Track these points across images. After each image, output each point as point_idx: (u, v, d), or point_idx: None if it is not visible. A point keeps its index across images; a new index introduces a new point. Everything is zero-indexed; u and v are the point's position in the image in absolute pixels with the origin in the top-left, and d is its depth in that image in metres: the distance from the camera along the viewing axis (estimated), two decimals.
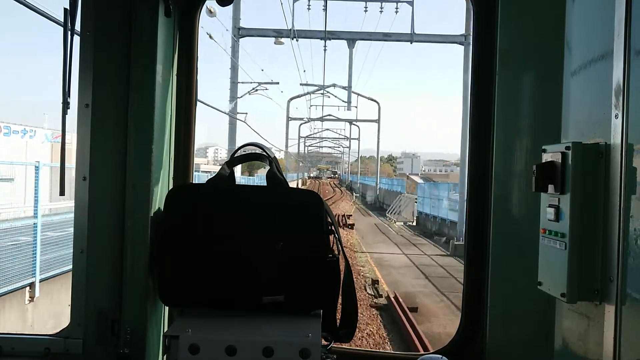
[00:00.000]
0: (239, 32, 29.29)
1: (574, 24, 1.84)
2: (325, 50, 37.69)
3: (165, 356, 2.19)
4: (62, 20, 2.44)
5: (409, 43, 30.00)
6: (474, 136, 2.63)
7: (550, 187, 1.72)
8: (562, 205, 1.68)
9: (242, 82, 34.88)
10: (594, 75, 1.71)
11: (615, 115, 1.54)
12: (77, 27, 2.50)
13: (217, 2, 2.66)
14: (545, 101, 2.38)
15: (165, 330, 2.60)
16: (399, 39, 30.94)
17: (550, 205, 1.73)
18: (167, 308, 2.67)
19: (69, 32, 2.44)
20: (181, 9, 2.74)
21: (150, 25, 2.49)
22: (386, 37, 31.44)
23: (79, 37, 2.52)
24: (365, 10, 31.60)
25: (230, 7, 29.13)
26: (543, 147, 1.79)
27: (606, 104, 1.57)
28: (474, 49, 2.63)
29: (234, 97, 30.88)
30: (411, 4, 30.75)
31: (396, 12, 32.05)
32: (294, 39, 30.61)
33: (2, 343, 2.54)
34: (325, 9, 30.33)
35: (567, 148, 1.65)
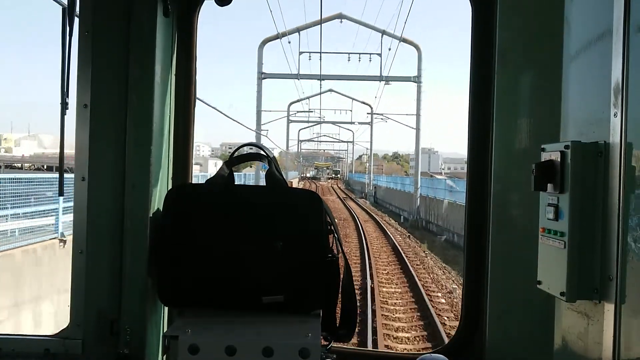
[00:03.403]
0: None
1: (573, 24, 1.84)
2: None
3: (164, 356, 2.19)
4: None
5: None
6: (473, 136, 2.63)
7: (550, 186, 1.72)
8: (562, 204, 1.68)
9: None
10: (592, 74, 1.71)
11: (614, 114, 1.54)
12: (76, 27, 2.49)
13: (215, 2, 2.66)
14: (544, 100, 2.38)
15: (164, 331, 2.60)
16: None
17: (549, 204, 1.73)
18: (166, 308, 2.66)
19: (68, 32, 2.44)
20: (180, 9, 2.74)
21: (149, 25, 2.49)
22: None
23: (77, 38, 2.52)
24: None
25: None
26: (542, 146, 1.79)
27: (605, 102, 1.57)
28: (472, 49, 2.63)
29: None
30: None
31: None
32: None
33: (2, 344, 2.54)
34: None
35: (566, 147, 1.65)
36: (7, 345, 2.55)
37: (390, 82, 42.13)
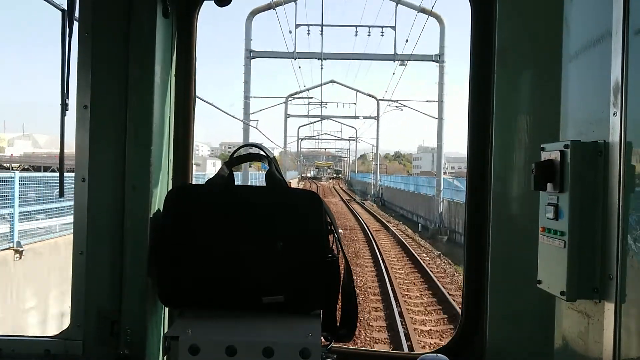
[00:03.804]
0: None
1: (572, 24, 1.84)
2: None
3: (165, 357, 2.19)
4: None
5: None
6: (473, 135, 2.63)
7: (550, 186, 1.72)
8: (561, 204, 1.68)
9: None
10: (592, 74, 1.71)
11: (614, 114, 1.54)
12: (75, 28, 2.50)
13: (215, 2, 2.66)
14: (543, 100, 2.38)
15: (165, 331, 2.60)
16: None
17: (549, 204, 1.73)
18: (167, 309, 2.66)
19: (67, 34, 2.44)
20: (179, 9, 2.74)
21: (148, 25, 2.49)
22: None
23: (77, 39, 2.52)
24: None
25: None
26: (542, 146, 1.79)
27: (605, 102, 1.57)
28: (472, 49, 2.63)
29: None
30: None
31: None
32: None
33: (2, 345, 2.54)
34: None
35: (566, 146, 1.65)
36: (7, 346, 2.55)
37: (406, 63, 34.82)
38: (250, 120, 34.18)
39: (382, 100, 52.12)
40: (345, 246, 20.37)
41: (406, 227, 34.31)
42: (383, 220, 36.68)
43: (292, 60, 35.20)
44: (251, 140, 30.77)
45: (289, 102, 58.98)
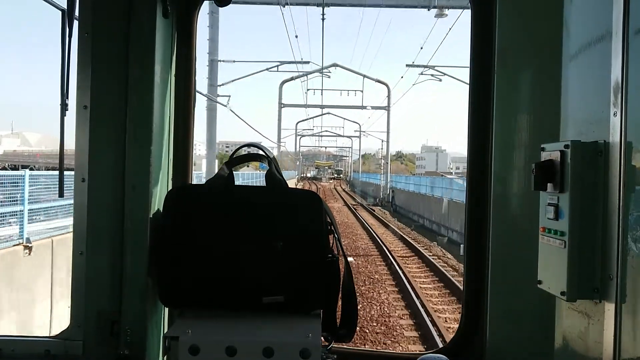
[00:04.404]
0: None
1: (572, 24, 1.84)
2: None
3: (165, 357, 2.19)
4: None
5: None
6: (473, 136, 2.63)
7: (550, 186, 1.72)
8: (562, 204, 1.68)
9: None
10: (592, 74, 1.71)
11: (614, 114, 1.54)
12: (75, 28, 2.50)
13: (215, 2, 2.67)
14: (543, 100, 2.38)
15: (165, 332, 2.60)
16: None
17: (549, 204, 1.73)
18: (167, 309, 2.66)
19: (67, 34, 2.45)
20: (179, 10, 2.74)
21: (148, 25, 2.49)
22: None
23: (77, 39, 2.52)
24: None
25: None
26: (542, 146, 1.79)
27: (605, 102, 1.57)
28: (472, 48, 2.63)
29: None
30: None
31: None
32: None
33: (2, 345, 2.54)
34: None
35: (566, 146, 1.65)
36: (7, 346, 2.55)
37: (445, 13, 26.41)
38: (219, 96, 24.82)
39: (411, 65, 38.17)
40: (362, 306, 13.61)
41: (443, 251, 23.66)
42: (406, 236, 26.99)
43: (289, 45, 26.89)
44: (217, 126, 24.68)
45: (278, 67, 41.09)
